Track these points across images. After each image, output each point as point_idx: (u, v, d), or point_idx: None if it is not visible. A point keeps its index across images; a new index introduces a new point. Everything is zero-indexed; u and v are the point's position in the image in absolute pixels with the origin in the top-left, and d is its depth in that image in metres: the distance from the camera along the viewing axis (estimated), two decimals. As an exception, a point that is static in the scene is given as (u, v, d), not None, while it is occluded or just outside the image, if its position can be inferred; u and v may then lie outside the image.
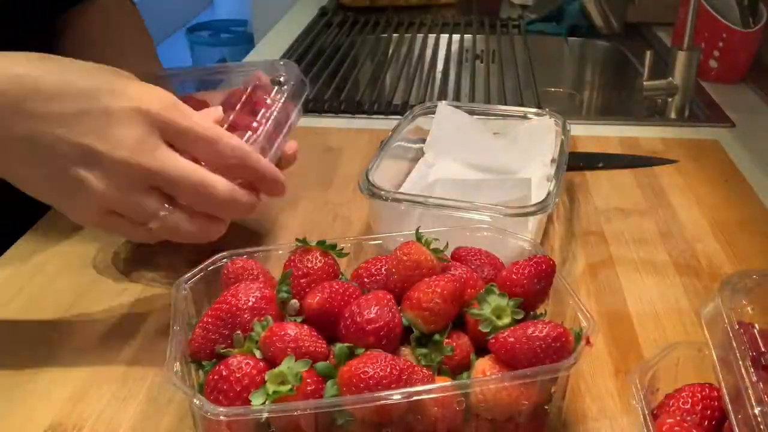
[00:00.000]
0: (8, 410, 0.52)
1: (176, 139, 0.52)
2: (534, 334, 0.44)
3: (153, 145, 0.50)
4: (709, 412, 0.43)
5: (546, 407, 0.47)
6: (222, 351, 0.47)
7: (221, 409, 0.41)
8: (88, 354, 0.57)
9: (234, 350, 0.46)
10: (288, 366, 0.43)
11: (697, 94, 1.09)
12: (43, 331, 0.59)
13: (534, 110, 0.81)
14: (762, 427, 0.38)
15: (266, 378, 0.43)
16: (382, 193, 0.63)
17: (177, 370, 0.44)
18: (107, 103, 0.50)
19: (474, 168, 0.79)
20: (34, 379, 0.54)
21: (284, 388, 0.42)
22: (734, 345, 0.42)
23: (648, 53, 1.07)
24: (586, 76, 1.44)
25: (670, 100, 1.07)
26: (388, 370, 0.42)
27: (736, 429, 0.40)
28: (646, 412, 0.42)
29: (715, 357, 0.44)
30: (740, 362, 0.41)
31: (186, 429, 0.50)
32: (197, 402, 0.42)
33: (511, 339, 0.44)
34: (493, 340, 0.45)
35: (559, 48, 1.42)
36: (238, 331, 0.46)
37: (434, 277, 0.48)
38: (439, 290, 0.47)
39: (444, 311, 0.47)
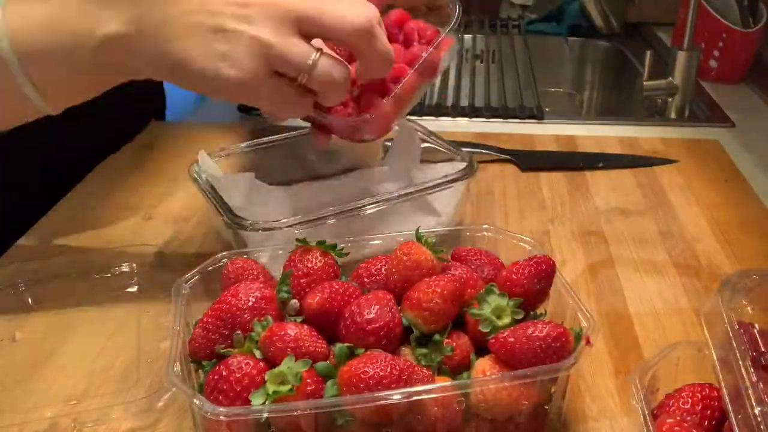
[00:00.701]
0: (8, 410, 0.52)
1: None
2: (534, 334, 0.44)
3: None
4: (709, 412, 0.43)
5: (546, 407, 0.47)
6: (222, 351, 0.47)
7: (221, 409, 0.41)
8: (88, 354, 0.57)
9: (234, 350, 0.46)
10: (288, 366, 0.43)
11: (697, 94, 1.10)
12: (43, 331, 0.59)
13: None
14: (762, 427, 0.38)
15: (266, 378, 0.43)
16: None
17: (177, 370, 0.44)
18: None
19: None
20: (34, 378, 0.54)
21: (284, 388, 0.42)
22: (734, 345, 0.42)
23: (648, 53, 1.07)
24: (586, 76, 1.44)
25: (670, 100, 1.08)
26: (388, 370, 0.42)
27: (736, 429, 0.40)
28: (646, 412, 0.42)
29: (715, 357, 0.44)
30: (740, 362, 0.41)
31: (186, 429, 0.50)
32: (197, 402, 0.42)
33: (511, 339, 0.44)
34: (493, 340, 0.45)
35: (559, 48, 1.42)
36: (238, 331, 0.46)
37: (434, 277, 0.48)
38: (439, 290, 0.47)
39: (444, 311, 0.47)
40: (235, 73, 0.51)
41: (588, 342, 0.45)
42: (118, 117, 0.90)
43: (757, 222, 0.75)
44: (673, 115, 1.08)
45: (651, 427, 0.41)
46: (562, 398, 0.48)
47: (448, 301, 0.47)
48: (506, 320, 0.47)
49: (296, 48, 0.51)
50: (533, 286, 0.49)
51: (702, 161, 0.88)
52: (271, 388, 0.42)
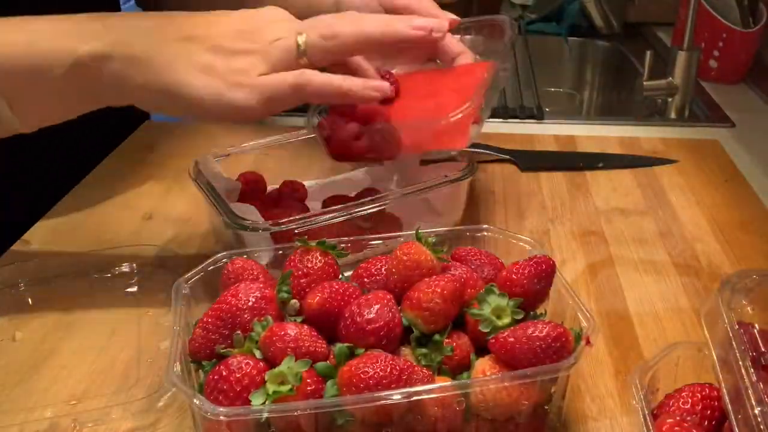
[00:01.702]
0: (8, 410, 0.52)
1: None
2: (534, 334, 0.44)
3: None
4: (709, 412, 0.43)
5: (546, 407, 0.47)
6: (222, 351, 0.47)
7: (221, 409, 0.41)
8: (88, 354, 0.57)
9: (234, 350, 0.46)
10: (288, 366, 0.43)
11: (697, 94, 1.10)
12: (43, 331, 0.59)
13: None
14: (762, 427, 0.38)
15: (266, 378, 0.43)
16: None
17: (177, 370, 0.44)
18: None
19: None
20: (34, 378, 0.54)
21: (284, 388, 0.42)
22: (734, 345, 0.42)
23: (648, 53, 1.07)
24: (586, 76, 1.44)
25: (670, 100, 1.07)
26: (388, 370, 0.42)
27: (736, 429, 0.40)
28: (646, 412, 0.42)
29: (715, 357, 0.44)
30: (740, 362, 0.41)
31: (186, 429, 0.50)
32: (197, 402, 0.42)
33: (511, 339, 0.44)
34: (493, 340, 0.45)
35: (559, 48, 1.42)
36: (238, 331, 0.46)
37: (434, 277, 0.48)
38: (439, 290, 0.47)
39: (444, 311, 0.47)
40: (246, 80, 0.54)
41: (588, 342, 0.45)
42: (116, 115, 0.90)
43: (757, 222, 0.75)
44: (673, 115, 1.07)
45: (651, 427, 0.41)
46: (562, 398, 0.48)
47: (448, 301, 0.47)
48: (506, 320, 0.47)
49: (281, 41, 0.55)
50: (533, 286, 0.49)
51: (702, 161, 0.88)
52: (271, 388, 0.42)
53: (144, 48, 0.53)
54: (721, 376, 0.43)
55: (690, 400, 0.44)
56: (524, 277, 0.49)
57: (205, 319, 0.48)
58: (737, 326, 0.43)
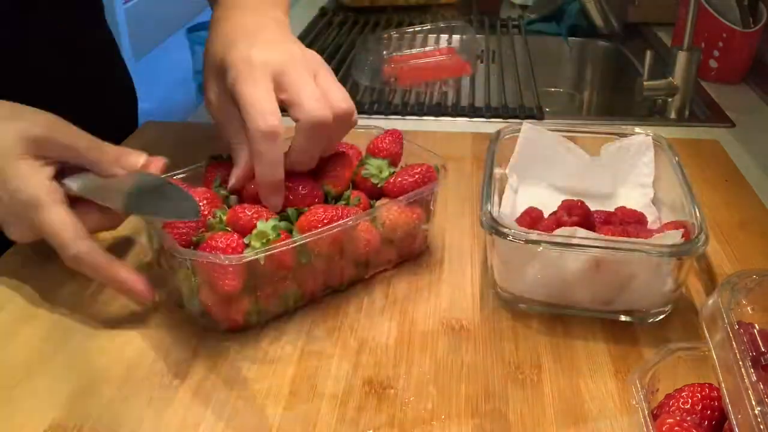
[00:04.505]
0: (8, 410, 0.52)
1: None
2: (413, 172, 0.64)
3: None
4: (709, 412, 0.44)
5: (425, 227, 0.66)
6: (198, 237, 0.56)
7: (228, 257, 0.53)
8: (88, 354, 0.57)
9: (208, 233, 0.56)
10: (264, 226, 0.56)
11: (697, 94, 1.10)
12: (43, 331, 0.59)
13: (628, 130, 0.76)
14: (762, 427, 0.38)
15: (251, 238, 0.55)
16: (511, 232, 0.57)
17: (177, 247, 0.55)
18: None
19: (561, 191, 0.74)
20: (34, 379, 0.54)
21: (271, 237, 0.55)
22: (734, 345, 0.42)
23: (648, 53, 1.07)
24: (586, 76, 1.44)
25: (670, 100, 1.07)
26: (333, 211, 0.58)
27: (736, 429, 0.40)
28: (646, 412, 0.42)
29: (715, 357, 0.44)
30: (740, 362, 0.41)
31: (188, 428, 0.50)
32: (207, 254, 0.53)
33: (399, 179, 0.64)
34: (386, 185, 0.64)
35: (559, 48, 1.42)
36: (210, 217, 0.58)
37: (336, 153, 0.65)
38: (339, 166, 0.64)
39: (343, 177, 0.64)
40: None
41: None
42: (116, 114, 0.91)
43: (757, 222, 0.75)
44: (673, 115, 1.07)
45: (651, 427, 0.41)
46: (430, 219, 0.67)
47: (345, 168, 0.65)
48: (386, 173, 0.65)
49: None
50: (394, 147, 0.67)
51: (702, 161, 0.88)
52: (257, 243, 0.55)
53: None
54: (721, 376, 0.43)
55: (690, 400, 0.44)
56: (385, 143, 0.67)
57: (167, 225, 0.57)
58: (737, 326, 0.43)
